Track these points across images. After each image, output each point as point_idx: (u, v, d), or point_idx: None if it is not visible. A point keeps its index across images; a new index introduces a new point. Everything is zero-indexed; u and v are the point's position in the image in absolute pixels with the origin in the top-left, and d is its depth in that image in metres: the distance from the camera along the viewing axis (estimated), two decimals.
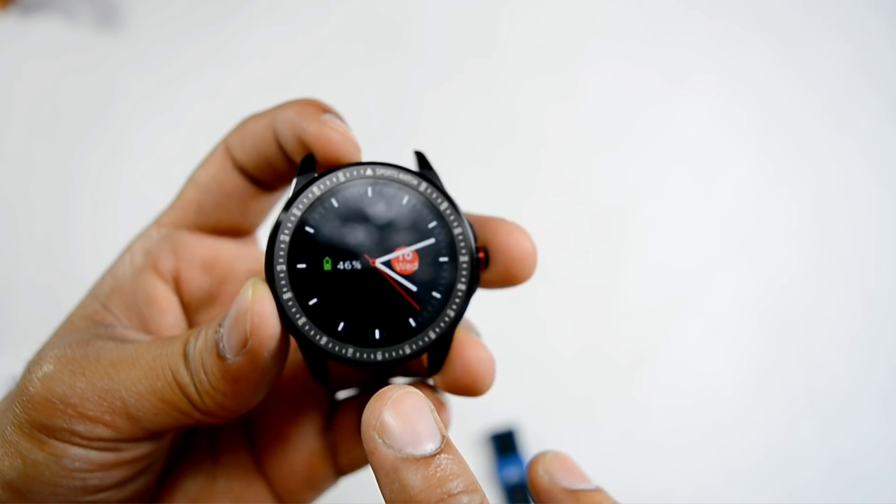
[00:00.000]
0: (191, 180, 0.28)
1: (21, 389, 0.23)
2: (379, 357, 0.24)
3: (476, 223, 0.27)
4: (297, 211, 0.24)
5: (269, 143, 0.26)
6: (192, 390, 0.22)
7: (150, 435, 0.23)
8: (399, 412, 0.19)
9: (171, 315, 0.27)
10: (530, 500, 0.55)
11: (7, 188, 0.60)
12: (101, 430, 0.22)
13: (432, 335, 0.24)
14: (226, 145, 0.28)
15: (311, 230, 0.24)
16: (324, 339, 0.23)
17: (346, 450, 0.29)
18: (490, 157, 0.63)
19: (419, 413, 0.19)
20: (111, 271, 0.28)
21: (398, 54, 0.65)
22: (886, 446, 0.57)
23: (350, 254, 0.24)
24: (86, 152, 0.61)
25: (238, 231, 0.29)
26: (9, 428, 0.22)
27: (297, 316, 0.23)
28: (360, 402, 0.29)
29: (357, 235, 0.24)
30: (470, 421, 0.55)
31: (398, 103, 0.64)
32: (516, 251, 0.26)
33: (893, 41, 0.67)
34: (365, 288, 0.24)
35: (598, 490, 0.24)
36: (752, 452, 0.56)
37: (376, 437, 0.19)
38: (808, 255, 0.61)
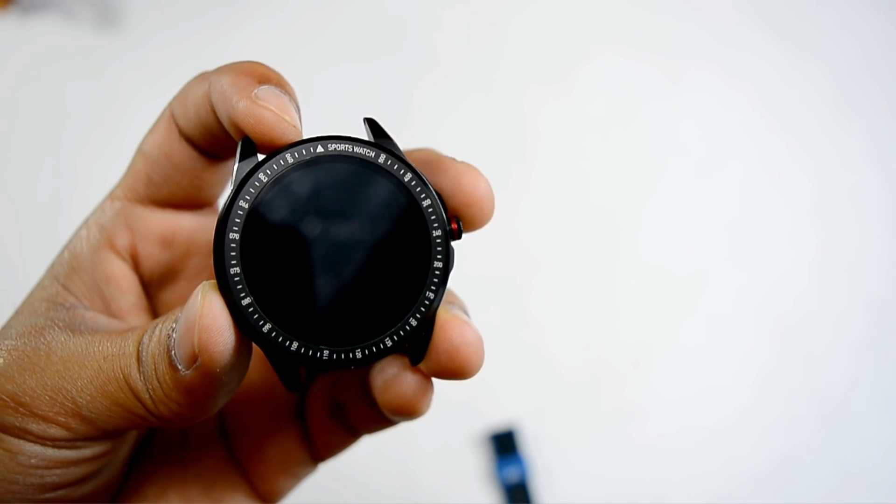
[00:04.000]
0: (139, 150, 0.26)
1: None
2: (359, 355, 0.21)
3: (422, 164, 0.24)
4: (243, 203, 0.21)
5: (209, 113, 0.24)
6: (145, 396, 0.21)
7: (107, 434, 0.22)
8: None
9: (130, 294, 0.26)
10: (530, 500, 0.54)
11: (7, 188, 0.60)
12: (54, 430, 0.21)
13: (413, 322, 0.21)
14: (170, 111, 0.26)
15: (263, 224, 0.21)
16: (295, 345, 0.21)
17: (319, 433, 0.27)
18: (490, 155, 0.63)
19: None
20: (69, 248, 0.26)
21: (399, 52, 0.65)
22: (892, 453, 0.57)
23: (311, 246, 0.21)
24: (86, 153, 0.61)
25: (195, 203, 0.27)
26: None
27: (261, 323, 0.20)
28: (329, 384, 0.27)
29: (317, 224, 0.21)
30: (470, 421, 0.55)
31: (399, 102, 0.63)
32: (469, 195, 0.23)
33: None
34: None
35: None
36: (753, 456, 0.56)
37: None
38: (813, 257, 0.61)
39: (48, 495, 0.22)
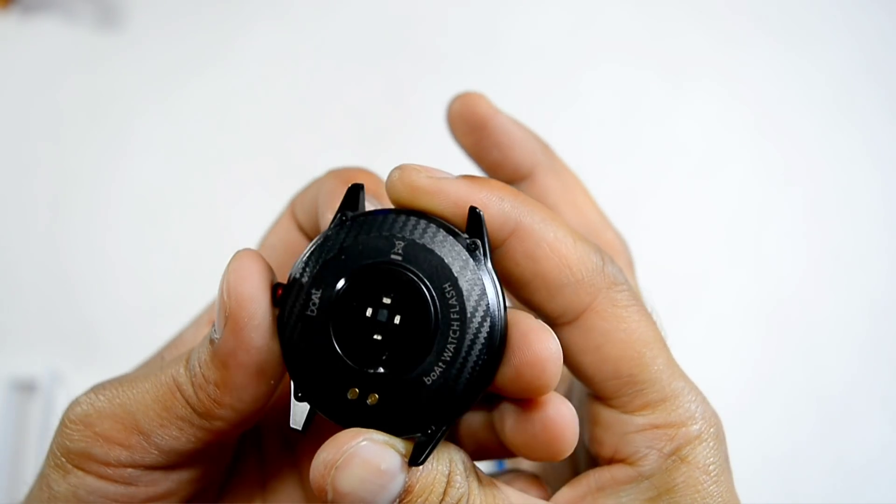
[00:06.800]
0: (263, 242, 0.29)
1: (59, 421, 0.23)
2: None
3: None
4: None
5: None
6: (187, 388, 0.22)
7: (165, 460, 0.23)
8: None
9: None
10: None
11: (7, 188, 0.60)
12: (116, 452, 0.22)
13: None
14: (291, 207, 0.28)
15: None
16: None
17: None
18: None
19: None
20: (180, 335, 0.28)
21: (400, 54, 0.65)
22: (890, 450, 0.57)
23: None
24: (86, 152, 0.61)
25: None
26: (45, 461, 0.23)
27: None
28: None
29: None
30: None
31: (399, 103, 0.63)
32: (532, 352, 0.20)
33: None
34: None
35: None
36: (753, 455, 0.56)
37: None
38: (812, 256, 0.61)
39: None
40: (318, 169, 0.30)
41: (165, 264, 0.58)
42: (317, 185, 0.26)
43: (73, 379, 0.55)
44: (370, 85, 0.64)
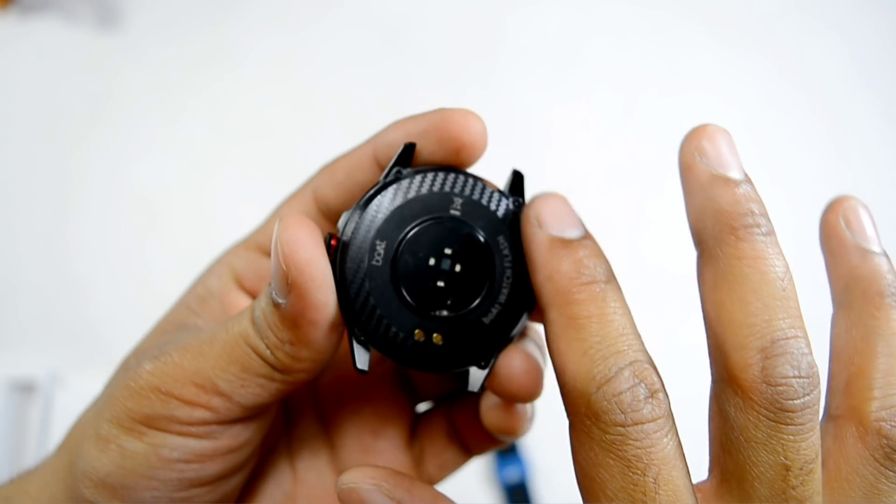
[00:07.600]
0: (276, 214, 0.29)
1: (119, 386, 0.23)
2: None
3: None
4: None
5: (366, 169, 0.27)
6: (262, 349, 0.22)
7: (246, 414, 0.23)
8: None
9: None
10: (530, 500, 0.54)
11: (7, 188, 0.60)
12: (200, 413, 0.22)
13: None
14: (312, 188, 0.28)
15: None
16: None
17: (434, 456, 0.29)
18: (490, 156, 0.63)
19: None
20: (201, 282, 0.28)
21: (399, 54, 0.65)
22: None
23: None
24: (86, 152, 0.61)
25: None
26: (105, 425, 0.23)
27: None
28: (443, 413, 0.29)
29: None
30: None
31: (400, 103, 0.64)
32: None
33: (893, 41, 0.67)
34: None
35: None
36: None
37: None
38: (812, 257, 0.61)
39: (183, 494, 0.23)
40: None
41: (165, 265, 0.58)
42: (358, 150, 0.28)
43: (73, 379, 0.55)
44: (373, 86, 0.64)
